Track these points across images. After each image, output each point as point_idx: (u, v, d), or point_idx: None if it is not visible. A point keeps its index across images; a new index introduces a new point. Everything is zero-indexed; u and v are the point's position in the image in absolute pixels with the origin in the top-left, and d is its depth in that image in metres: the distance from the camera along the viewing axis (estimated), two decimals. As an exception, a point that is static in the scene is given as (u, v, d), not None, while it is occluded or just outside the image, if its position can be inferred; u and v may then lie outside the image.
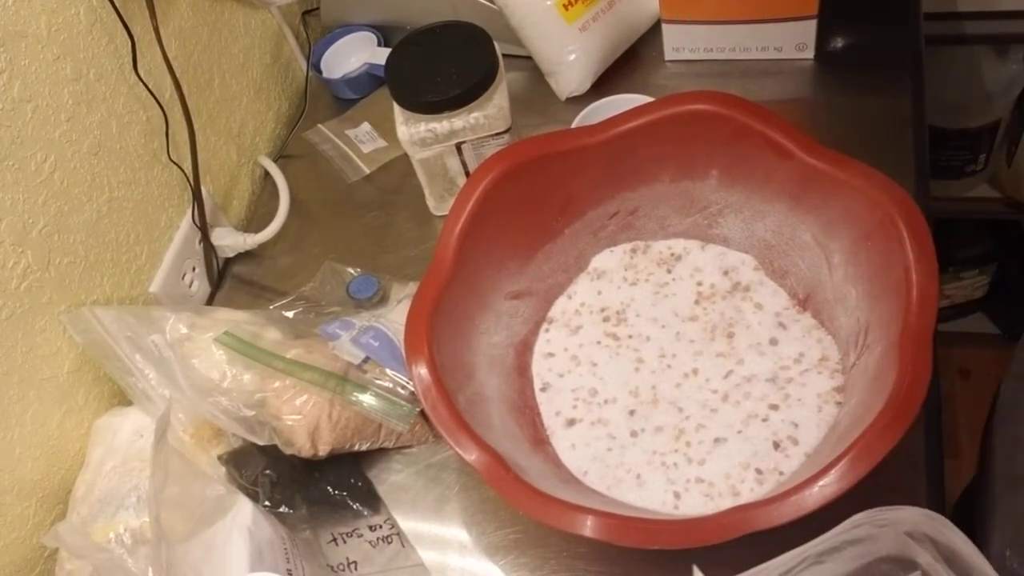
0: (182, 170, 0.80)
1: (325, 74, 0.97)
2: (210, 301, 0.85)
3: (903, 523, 0.48)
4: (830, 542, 0.48)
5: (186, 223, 0.81)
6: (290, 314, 0.76)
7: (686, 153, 0.68)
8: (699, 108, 0.65)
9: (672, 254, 0.73)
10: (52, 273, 0.67)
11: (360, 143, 0.93)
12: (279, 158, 0.94)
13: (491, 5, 0.87)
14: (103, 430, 0.69)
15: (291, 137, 0.96)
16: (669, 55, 0.89)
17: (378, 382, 0.68)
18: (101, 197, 0.72)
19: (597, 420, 0.66)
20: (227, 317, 0.72)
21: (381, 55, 0.93)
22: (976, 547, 0.47)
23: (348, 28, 0.99)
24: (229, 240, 0.84)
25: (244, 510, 0.60)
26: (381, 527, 0.66)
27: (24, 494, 0.66)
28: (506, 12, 0.86)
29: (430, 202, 0.84)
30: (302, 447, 0.65)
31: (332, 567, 0.64)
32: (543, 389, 0.69)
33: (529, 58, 0.90)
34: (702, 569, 0.52)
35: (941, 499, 0.61)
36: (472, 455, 0.56)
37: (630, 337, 0.70)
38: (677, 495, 0.62)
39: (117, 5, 0.69)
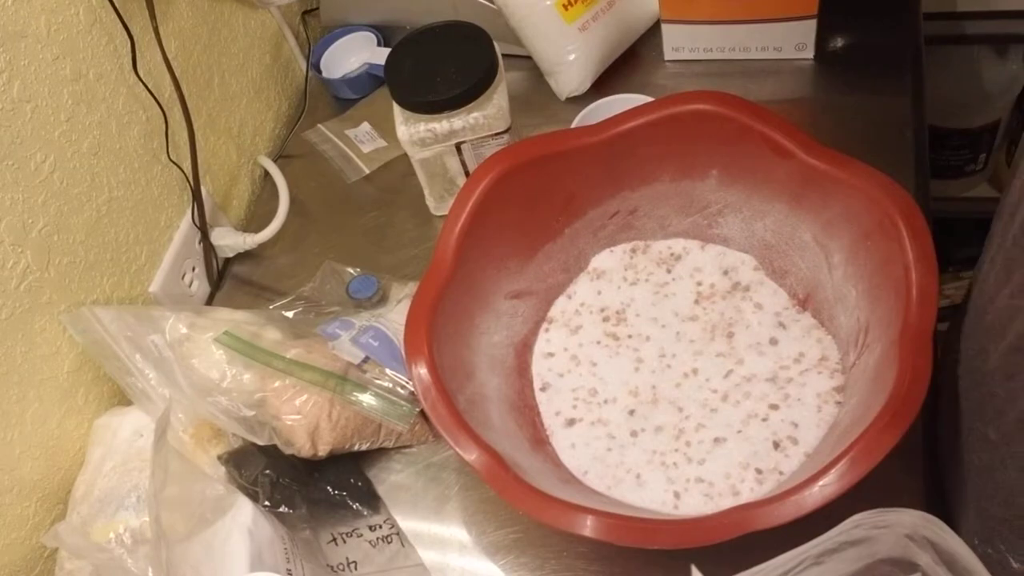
0: (182, 170, 0.80)
1: (325, 74, 0.97)
2: (210, 301, 0.85)
3: (903, 525, 0.48)
4: (829, 543, 0.48)
5: (186, 223, 0.81)
6: (290, 314, 0.76)
7: (686, 153, 0.68)
8: (699, 108, 0.65)
9: (672, 254, 0.73)
10: (52, 273, 0.67)
11: (360, 143, 0.92)
12: (279, 158, 0.94)
13: (491, 5, 0.87)
14: (103, 430, 0.69)
15: (291, 137, 0.96)
16: (669, 55, 0.89)
17: (378, 382, 0.68)
18: (101, 197, 0.72)
19: (597, 420, 0.66)
20: (227, 317, 0.72)
21: (381, 55, 0.93)
22: (972, 550, 0.46)
23: (348, 28, 0.99)
24: (229, 240, 0.84)
25: (244, 510, 0.60)
26: (381, 527, 0.66)
27: (24, 494, 0.66)
28: (506, 12, 0.86)
29: (430, 202, 0.84)
30: (302, 447, 0.65)
31: (332, 567, 0.64)
32: (543, 389, 0.69)
33: (529, 58, 0.90)
34: (702, 569, 0.52)
35: (941, 499, 0.61)
36: (472, 455, 0.56)
37: (630, 337, 0.70)
38: (677, 495, 0.62)
39: (117, 5, 0.69)
